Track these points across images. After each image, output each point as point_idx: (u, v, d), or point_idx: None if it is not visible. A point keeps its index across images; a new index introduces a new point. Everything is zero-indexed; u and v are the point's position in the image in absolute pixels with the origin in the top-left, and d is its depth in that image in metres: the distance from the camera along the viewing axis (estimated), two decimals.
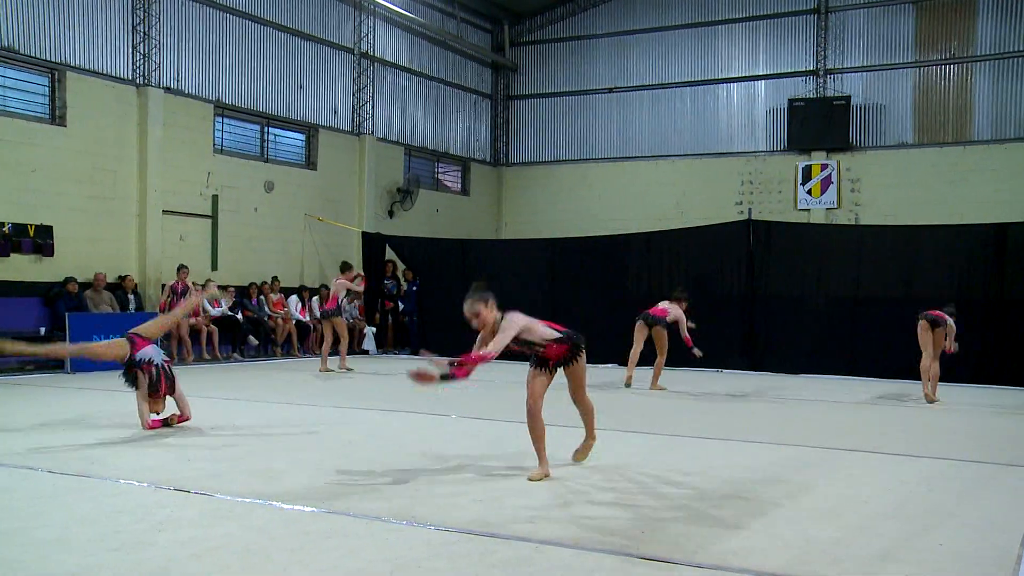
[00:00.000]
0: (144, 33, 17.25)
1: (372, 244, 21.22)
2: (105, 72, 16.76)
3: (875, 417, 10.63)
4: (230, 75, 19.15)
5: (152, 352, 8.52)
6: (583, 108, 26.09)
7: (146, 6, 17.26)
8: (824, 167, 23.11)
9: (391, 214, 23.09)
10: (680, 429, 9.14)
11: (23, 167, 15.44)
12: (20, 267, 15.31)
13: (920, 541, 4.96)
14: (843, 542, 4.89)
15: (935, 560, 4.61)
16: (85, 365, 14.51)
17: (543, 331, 6.61)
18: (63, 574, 4.19)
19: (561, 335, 6.64)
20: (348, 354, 15.99)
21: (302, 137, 21.16)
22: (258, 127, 20.09)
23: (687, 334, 13.15)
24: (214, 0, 18.73)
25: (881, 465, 7.26)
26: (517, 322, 6.50)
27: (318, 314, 18.06)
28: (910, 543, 4.92)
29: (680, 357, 15.79)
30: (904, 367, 14.56)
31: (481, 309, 6.53)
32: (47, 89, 16.11)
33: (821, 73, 23.34)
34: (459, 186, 26.24)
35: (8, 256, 15.10)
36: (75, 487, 6.04)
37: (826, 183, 23.08)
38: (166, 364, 8.58)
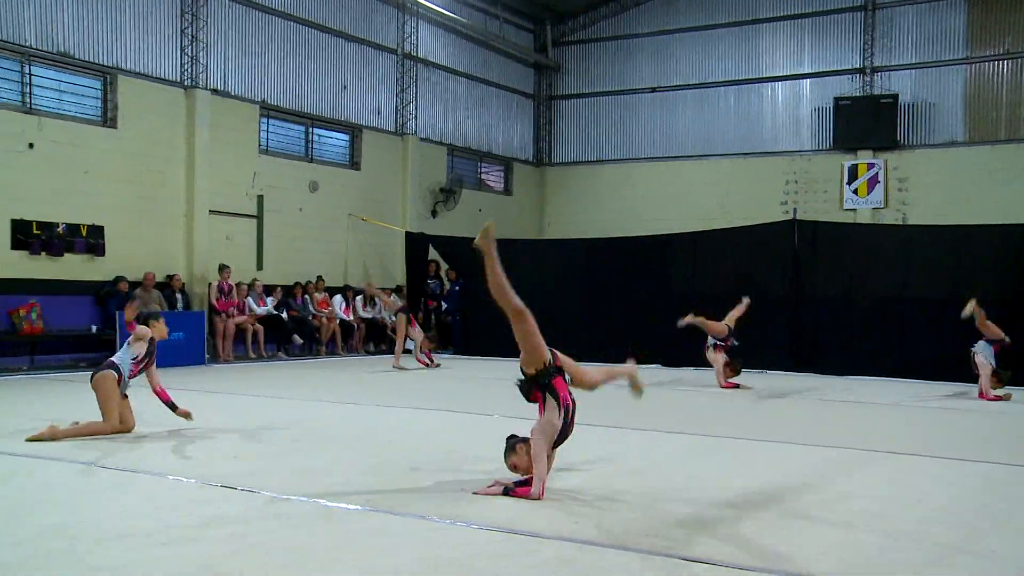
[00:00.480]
0: (192, 36, 17.45)
1: (415, 244, 21.28)
2: (155, 75, 16.98)
3: (922, 419, 10.47)
4: (275, 76, 19.31)
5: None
6: (626, 108, 25.99)
7: (194, 10, 17.46)
8: (871, 166, 22.83)
9: (434, 214, 23.16)
10: (724, 430, 9.06)
11: (76, 169, 15.68)
12: (73, 266, 15.56)
13: (972, 546, 4.86)
14: (891, 547, 4.81)
15: (988, 567, 4.51)
16: None
17: (554, 415, 6.06)
18: (117, 566, 4.24)
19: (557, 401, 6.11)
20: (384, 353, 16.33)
21: (346, 137, 21.29)
22: (303, 128, 20.24)
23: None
24: (260, 3, 18.90)
25: (929, 468, 7.14)
26: (542, 444, 5.94)
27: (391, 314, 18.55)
28: (961, 548, 4.82)
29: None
30: (952, 369, 14.38)
31: (514, 460, 6.07)
32: (99, 92, 16.35)
33: (868, 71, 23.04)
34: (502, 186, 26.26)
35: (62, 256, 15.36)
36: (126, 482, 6.12)
37: (873, 182, 22.79)
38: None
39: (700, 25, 24.89)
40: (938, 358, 14.65)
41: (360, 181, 21.24)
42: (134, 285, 15.93)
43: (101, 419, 8.07)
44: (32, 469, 6.55)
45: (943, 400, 12.16)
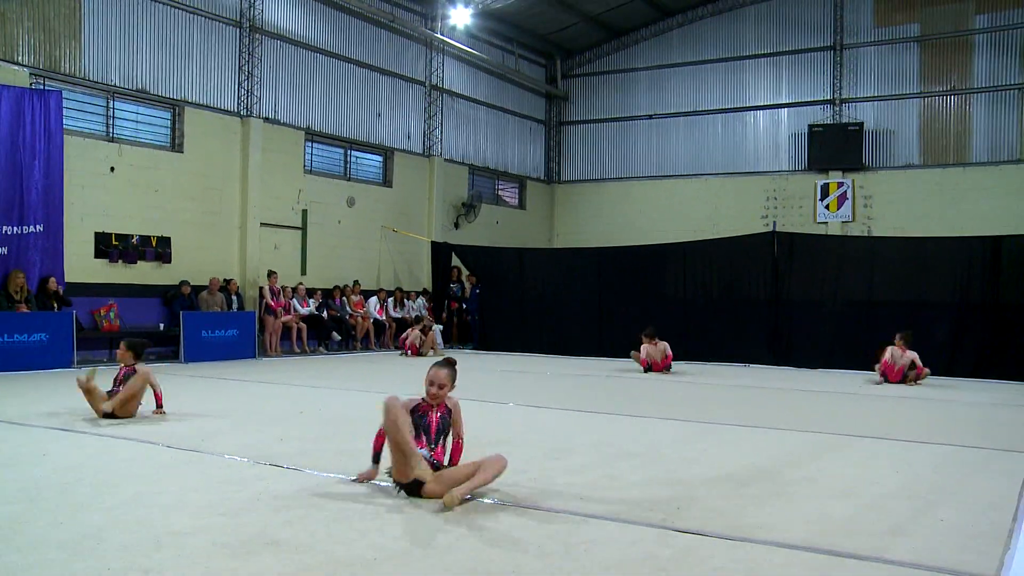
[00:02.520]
0: (248, 72, 17.58)
1: (440, 252, 21.35)
2: (215, 106, 17.12)
3: (885, 407, 10.46)
4: (318, 106, 19.42)
5: None
6: (626, 132, 26.01)
7: (250, 49, 17.60)
8: (840, 185, 22.83)
9: (456, 225, 23.21)
10: (713, 417, 9.07)
11: (148, 188, 15.84)
12: (144, 272, 15.71)
13: (925, 517, 4.89)
14: (857, 518, 4.84)
15: (938, 534, 4.55)
16: (197, 355, 14.87)
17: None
18: (181, 532, 4.30)
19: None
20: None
21: (380, 159, 21.37)
22: (342, 150, 20.33)
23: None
24: (306, 42, 19.02)
25: (890, 450, 7.15)
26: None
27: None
28: (916, 519, 4.85)
29: (704, 352, 15.76)
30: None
31: (447, 383, 5.39)
32: (169, 122, 16.51)
33: (837, 102, 23.06)
34: (516, 201, 26.29)
35: (136, 263, 15.54)
36: (188, 460, 6.19)
37: (842, 199, 22.79)
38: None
39: (691, 61, 24.92)
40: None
41: (392, 197, 21.32)
42: (196, 288, 16.06)
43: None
44: (116, 448, 6.64)
45: (902, 390, 12.13)
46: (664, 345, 14.31)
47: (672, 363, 14.34)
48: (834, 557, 4.12)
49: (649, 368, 14.10)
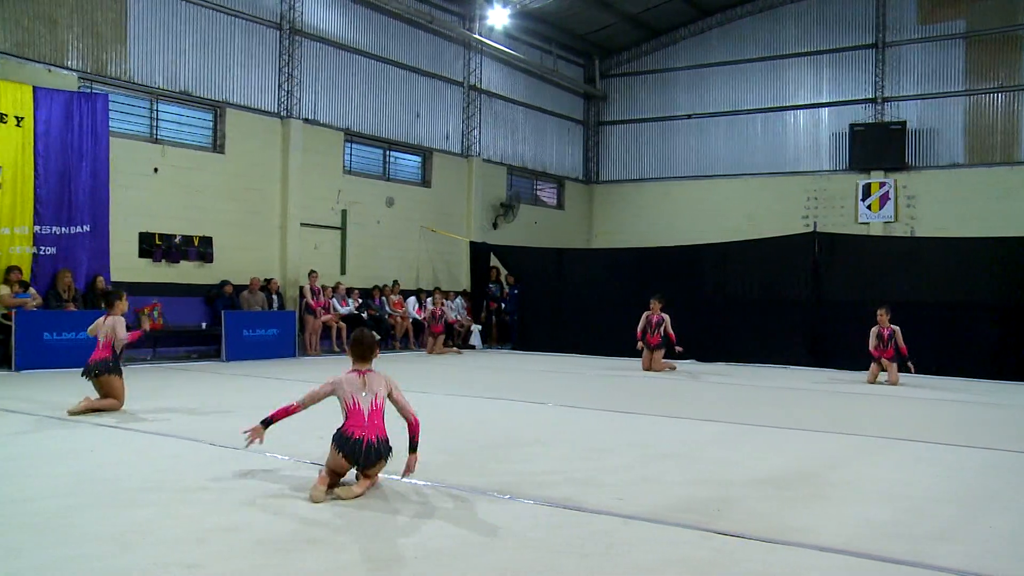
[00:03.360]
0: (288, 74, 17.77)
1: (478, 252, 21.40)
2: (256, 107, 17.32)
3: (928, 410, 10.31)
4: (358, 107, 19.56)
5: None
6: (665, 132, 25.87)
7: (290, 51, 17.78)
8: (882, 185, 22.52)
9: (495, 226, 23.25)
10: (752, 419, 9.00)
11: (191, 188, 16.07)
12: (187, 272, 15.94)
13: (973, 523, 4.82)
14: (899, 522, 4.78)
15: (988, 541, 4.47)
16: (239, 354, 15.05)
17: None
18: (223, 528, 4.38)
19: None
20: (453, 347, 18.16)
21: (418, 159, 21.47)
22: (381, 151, 20.46)
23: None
24: (345, 43, 19.17)
25: (933, 453, 7.05)
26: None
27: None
28: (963, 525, 4.78)
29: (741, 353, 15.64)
30: (957, 365, 14.26)
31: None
32: (211, 123, 16.73)
33: (879, 101, 22.75)
34: (555, 201, 26.27)
35: (179, 263, 15.77)
36: (230, 458, 6.28)
37: (884, 199, 22.49)
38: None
39: (731, 60, 24.72)
40: (942, 355, 14.50)
41: (430, 197, 21.41)
42: (238, 288, 16.26)
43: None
44: (161, 444, 6.76)
45: (947, 393, 11.94)
46: (666, 320, 14.51)
47: (675, 349, 14.51)
48: (876, 562, 4.08)
49: (643, 338, 14.55)
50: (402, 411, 5.52)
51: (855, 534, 4.52)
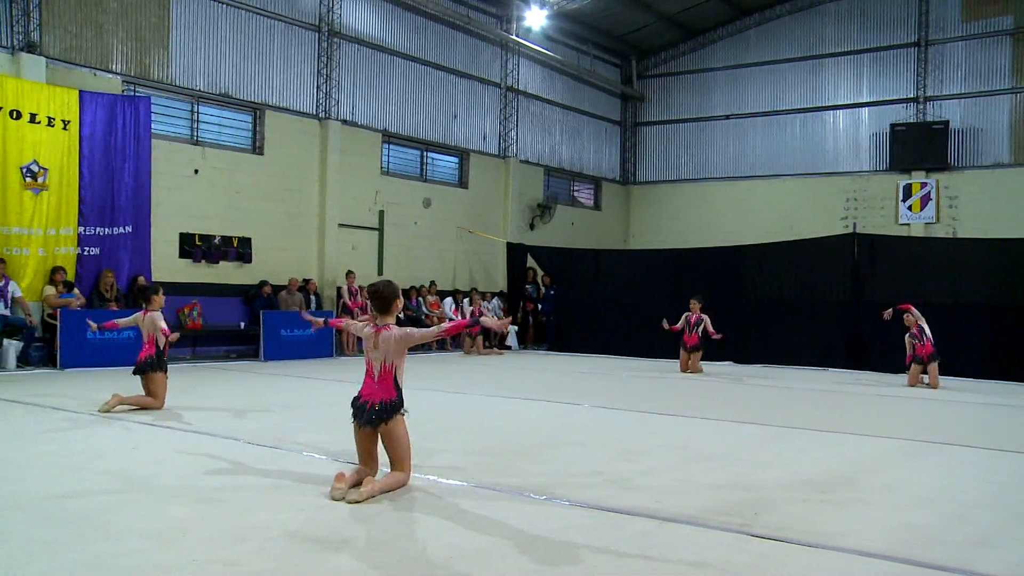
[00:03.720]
0: (327, 75, 17.90)
1: (515, 253, 21.41)
2: (295, 109, 17.48)
3: (970, 414, 10.12)
4: (395, 108, 19.65)
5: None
6: (703, 133, 25.70)
7: (328, 53, 17.92)
8: (924, 185, 22.18)
9: (532, 227, 23.24)
10: (790, 421, 8.90)
11: (230, 190, 16.26)
12: (226, 272, 16.12)
13: (1017, 529, 4.72)
14: (941, 528, 4.70)
15: None
16: (277, 353, 15.18)
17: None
18: (260, 526, 4.40)
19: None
20: (489, 348, 18.19)
21: (456, 160, 21.53)
22: (418, 152, 20.54)
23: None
24: (383, 45, 19.28)
25: (976, 458, 6.92)
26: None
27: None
28: (1007, 531, 4.68)
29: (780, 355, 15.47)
30: (1000, 368, 14.01)
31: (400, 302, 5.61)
32: (250, 125, 16.92)
33: (921, 100, 22.40)
34: (592, 202, 26.20)
35: (218, 263, 15.96)
36: (268, 456, 6.33)
37: (925, 200, 22.14)
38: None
39: (770, 60, 24.49)
40: (985, 358, 14.27)
41: (467, 198, 21.45)
42: (276, 288, 16.41)
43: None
44: (200, 443, 6.83)
45: (989, 396, 11.71)
46: (705, 321, 14.39)
47: (707, 342, 14.40)
48: (917, 568, 4.00)
49: (680, 339, 14.47)
50: (435, 336, 5.55)
51: (896, 539, 4.44)
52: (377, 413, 5.29)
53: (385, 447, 5.37)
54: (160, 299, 8.92)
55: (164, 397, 8.65)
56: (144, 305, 8.94)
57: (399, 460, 5.34)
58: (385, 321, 5.46)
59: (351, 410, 5.38)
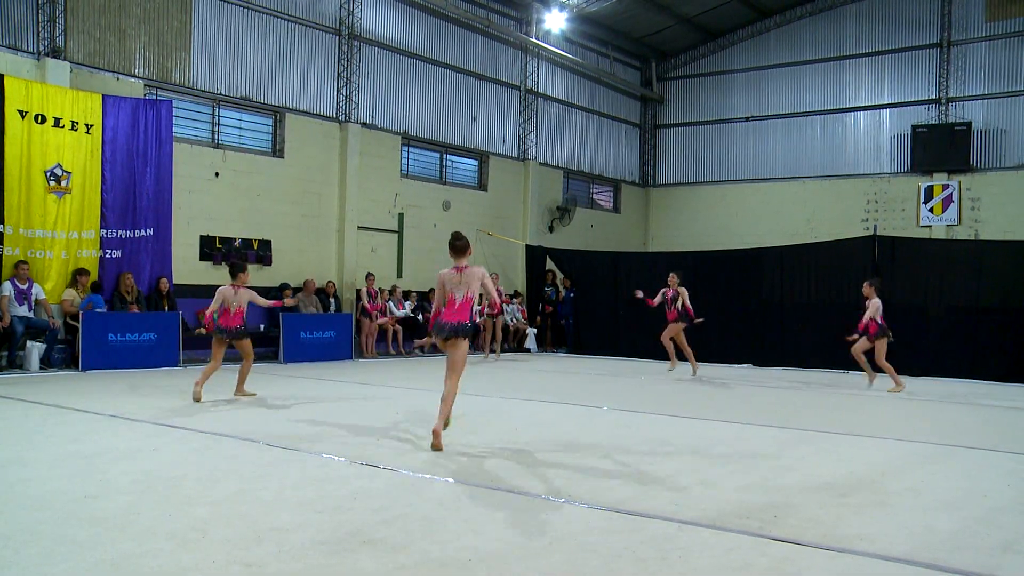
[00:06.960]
0: (347, 79, 17.99)
1: (534, 255, 21.41)
2: (315, 112, 17.57)
3: (993, 416, 10.02)
4: (415, 111, 19.71)
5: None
6: (722, 135, 25.60)
7: (348, 56, 18.01)
8: (945, 187, 21.99)
9: (551, 229, 23.23)
10: (810, 423, 8.85)
11: (251, 192, 16.36)
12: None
13: None
14: (965, 532, 4.65)
15: None
16: (296, 355, 15.25)
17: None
18: (280, 528, 4.43)
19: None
20: (508, 351, 18.34)
21: (475, 162, 21.56)
22: (438, 154, 20.59)
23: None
24: (403, 48, 19.34)
25: (999, 461, 6.85)
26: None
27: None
28: None
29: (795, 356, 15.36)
30: (1019, 370, 13.89)
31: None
32: (270, 128, 17.02)
33: (943, 101, 22.21)
34: (611, 204, 26.16)
35: None
36: (287, 458, 6.36)
37: (947, 202, 21.95)
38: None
39: (789, 62, 24.37)
40: (1006, 361, 14.13)
41: (487, 200, 21.48)
42: (296, 291, 16.48)
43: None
44: (221, 445, 6.88)
45: (1012, 400, 11.59)
46: (683, 294, 13.82)
47: (693, 321, 13.86)
48: (939, 572, 3.97)
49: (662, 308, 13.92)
50: (489, 295, 7.43)
51: (918, 543, 4.41)
52: (453, 328, 6.89)
53: (448, 358, 7.00)
54: (246, 276, 10.04)
55: (252, 354, 10.23)
56: (233, 281, 9.95)
57: (454, 371, 6.99)
58: (462, 262, 7.09)
59: (434, 326, 7.01)
